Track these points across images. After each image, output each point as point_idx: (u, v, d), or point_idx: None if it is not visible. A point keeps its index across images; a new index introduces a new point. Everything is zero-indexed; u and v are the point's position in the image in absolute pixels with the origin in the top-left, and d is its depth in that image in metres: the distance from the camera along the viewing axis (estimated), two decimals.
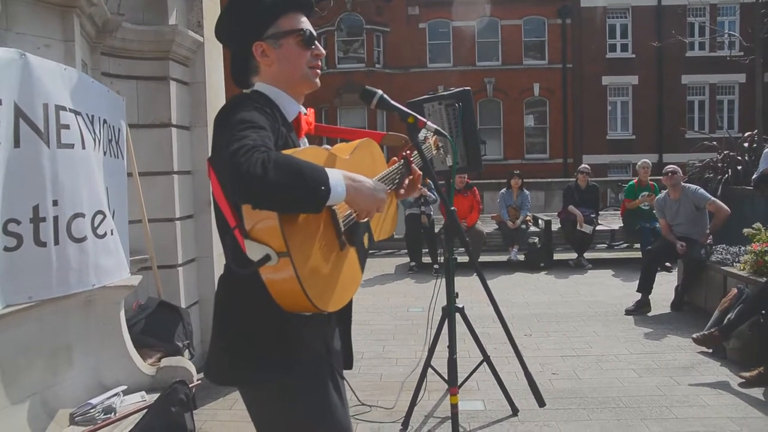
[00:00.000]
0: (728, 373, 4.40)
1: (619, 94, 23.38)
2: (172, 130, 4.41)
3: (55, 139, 2.82)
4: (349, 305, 1.79)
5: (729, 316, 4.72)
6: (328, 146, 1.72)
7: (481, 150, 4.43)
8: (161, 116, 4.38)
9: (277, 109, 1.65)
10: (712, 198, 6.38)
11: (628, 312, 6.18)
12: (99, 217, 3.09)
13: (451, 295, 3.42)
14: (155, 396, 3.15)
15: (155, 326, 3.83)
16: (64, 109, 2.89)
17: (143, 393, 3.24)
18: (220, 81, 5.04)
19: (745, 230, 5.50)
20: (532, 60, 23.62)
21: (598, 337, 5.40)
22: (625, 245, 9.56)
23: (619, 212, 9.54)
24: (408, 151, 1.92)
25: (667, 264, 7.81)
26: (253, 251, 1.39)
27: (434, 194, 8.80)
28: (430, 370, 3.74)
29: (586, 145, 22.83)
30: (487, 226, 9.56)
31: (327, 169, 1.40)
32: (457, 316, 3.54)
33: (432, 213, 9.15)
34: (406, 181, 1.88)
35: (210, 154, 1.54)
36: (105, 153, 3.36)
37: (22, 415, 2.73)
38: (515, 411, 3.80)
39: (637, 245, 8.81)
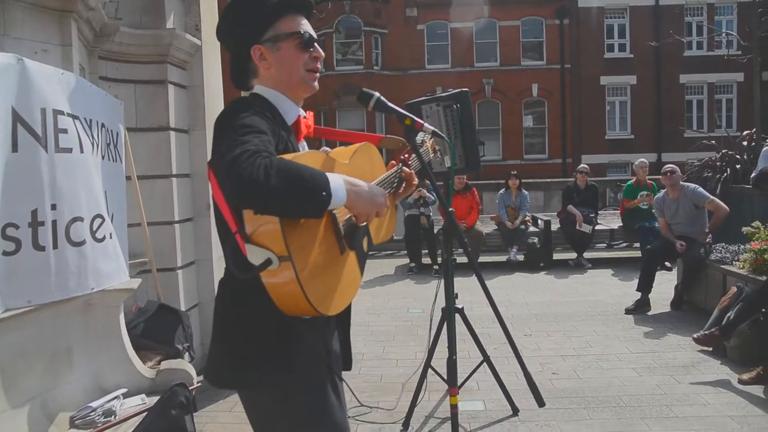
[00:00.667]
0: (728, 371, 4.40)
1: (617, 93, 23.40)
2: (171, 134, 4.41)
3: (53, 143, 2.82)
4: (349, 307, 1.79)
5: (729, 314, 4.72)
6: (327, 148, 1.73)
7: (480, 151, 4.43)
8: (159, 120, 4.38)
9: (276, 112, 1.65)
10: (711, 197, 6.38)
11: (627, 311, 6.18)
12: (98, 221, 3.09)
13: (451, 295, 3.41)
14: (155, 399, 3.15)
15: (155, 329, 3.84)
16: (62, 113, 2.89)
17: (143, 396, 3.24)
18: (218, 84, 5.05)
19: (744, 229, 5.51)
20: (530, 61, 23.64)
21: (598, 337, 5.40)
22: (625, 245, 9.55)
23: (619, 212, 9.54)
24: (406, 155, 1.92)
25: (667, 263, 7.81)
26: (255, 255, 1.39)
27: (433, 195, 8.80)
28: (430, 370, 3.74)
29: (584, 145, 22.85)
30: (486, 226, 9.56)
31: (328, 174, 1.40)
32: (457, 316, 3.55)
33: (431, 214, 9.15)
34: (404, 185, 1.89)
35: (209, 158, 1.54)
36: (103, 157, 3.36)
37: (22, 418, 2.73)
38: (516, 411, 3.80)
39: (637, 245, 8.80)
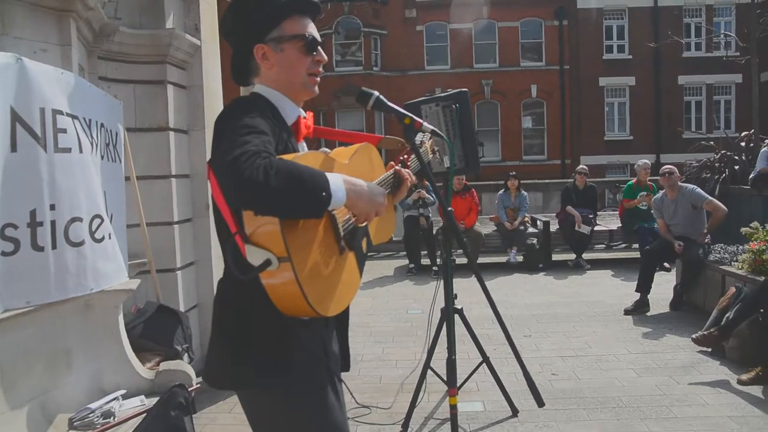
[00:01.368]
0: (727, 372, 4.40)
1: (616, 95, 23.42)
2: (170, 134, 4.40)
3: (52, 143, 2.81)
4: (347, 308, 1.78)
5: (727, 315, 4.71)
6: (327, 149, 1.72)
7: (479, 152, 4.43)
8: (159, 120, 4.37)
9: (277, 112, 1.64)
10: (710, 197, 6.39)
11: (627, 312, 6.18)
12: (97, 221, 3.08)
13: (450, 296, 3.41)
14: (154, 400, 3.14)
15: (154, 330, 3.83)
16: (61, 113, 2.88)
17: (142, 397, 3.23)
18: (217, 84, 5.04)
19: (743, 229, 5.51)
20: (529, 62, 23.65)
21: (597, 337, 5.40)
22: (624, 245, 9.56)
23: (618, 212, 9.54)
24: (405, 155, 1.91)
25: (666, 264, 7.81)
26: (254, 256, 1.38)
27: (432, 196, 8.80)
28: (429, 371, 3.73)
29: (583, 146, 22.86)
30: (485, 227, 9.56)
31: (327, 174, 1.40)
32: (457, 317, 3.54)
33: (430, 215, 9.15)
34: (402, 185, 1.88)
35: (209, 157, 1.53)
36: (102, 157, 3.35)
37: (21, 420, 2.72)
38: (515, 412, 3.79)
39: (636, 245, 8.80)
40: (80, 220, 2.95)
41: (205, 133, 4.66)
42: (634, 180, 9.06)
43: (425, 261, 9.25)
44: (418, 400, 3.69)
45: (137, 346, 3.54)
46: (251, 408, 1.66)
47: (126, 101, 4.08)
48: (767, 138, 9.28)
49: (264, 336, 1.55)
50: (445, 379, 3.29)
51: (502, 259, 9.27)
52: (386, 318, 6.39)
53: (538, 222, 9.59)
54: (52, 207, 2.80)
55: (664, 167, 6.61)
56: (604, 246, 9.65)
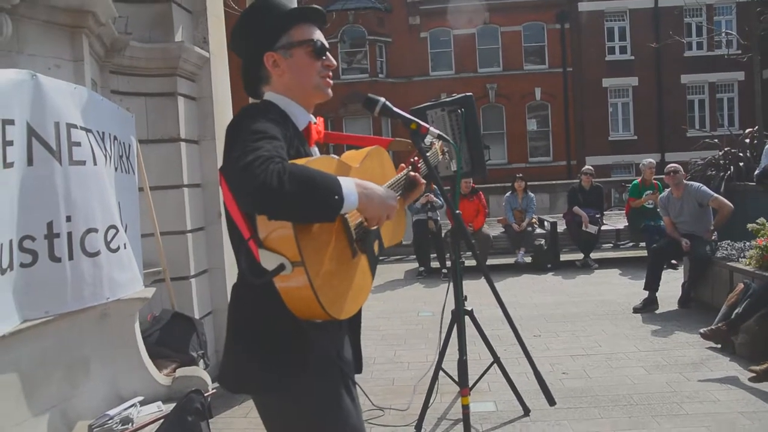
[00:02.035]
0: (737, 368, 4.36)
1: (619, 95, 23.32)
2: (181, 145, 4.43)
3: (67, 156, 2.83)
4: (359, 311, 1.78)
5: (736, 310, 4.67)
6: (335, 156, 1.72)
7: (485, 155, 4.42)
8: (170, 131, 4.40)
9: (287, 118, 1.65)
10: (715, 194, 6.35)
11: (635, 310, 6.14)
12: (112, 232, 3.10)
13: (460, 298, 3.40)
14: (171, 406, 3.15)
15: (170, 337, 3.84)
16: (75, 126, 2.91)
17: (159, 403, 3.24)
18: (226, 95, 5.07)
19: (750, 225, 5.46)
20: (532, 65, 23.63)
21: (606, 336, 5.37)
22: (631, 244, 9.50)
23: (624, 212, 9.49)
24: (415, 158, 1.91)
25: (673, 261, 7.76)
26: (268, 260, 1.38)
27: (441, 200, 8.79)
28: (441, 372, 3.72)
29: (588, 146, 22.78)
30: (493, 229, 9.54)
31: (339, 178, 1.40)
32: (467, 318, 3.53)
33: (439, 218, 9.14)
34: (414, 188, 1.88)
35: (221, 165, 1.54)
36: (116, 169, 3.37)
37: (43, 427, 2.74)
38: (527, 411, 3.77)
39: (643, 244, 8.75)
40: (95, 230, 2.97)
41: (216, 143, 4.68)
42: (639, 179, 9.01)
43: (435, 264, 9.24)
44: (431, 401, 3.68)
45: (153, 353, 3.55)
46: (266, 411, 1.66)
47: (138, 114, 4.11)
48: None
49: (278, 340, 1.55)
50: (457, 379, 3.28)
51: (511, 260, 9.24)
52: (397, 321, 6.38)
53: (546, 223, 9.56)
54: (68, 218, 2.82)
55: (669, 166, 6.57)
56: (611, 245, 9.59)
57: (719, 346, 4.78)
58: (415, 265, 9.40)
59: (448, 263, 7.47)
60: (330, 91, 1.75)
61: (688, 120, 22.20)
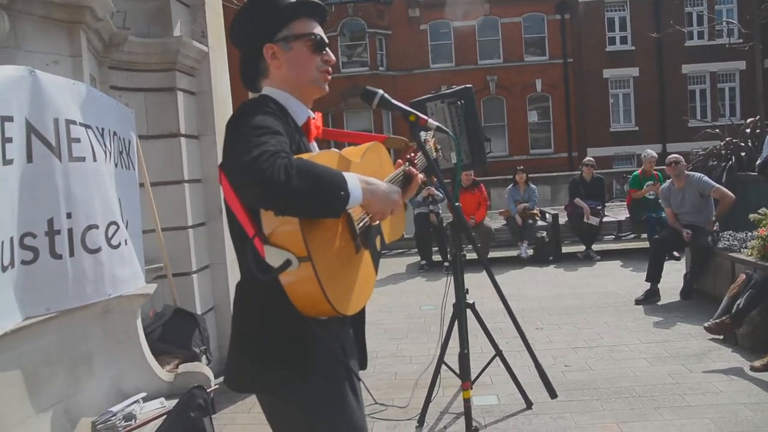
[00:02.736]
0: (740, 359, 4.36)
1: (620, 86, 23.26)
2: (181, 140, 4.42)
3: (66, 152, 2.83)
4: (364, 306, 1.78)
5: (738, 302, 4.65)
6: (337, 150, 1.71)
7: (486, 147, 4.41)
8: (170, 126, 4.38)
9: (287, 113, 1.64)
10: (717, 185, 6.33)
11: (637, 302, 6.13)
12: (112, 228, 3.10)
13: (461, 291, 3.40)
14: (174, 402, 3.16)
15: (172, 333, 3.84)
16: (74, 123, 2.90)
17: (162, 399, 3.25)
18: (226, 89, 5.05)
19: (752, 216, 5.44)
20: (533, 56, 23.57)
21: (608, 328, 5.36)
22: (633, 236, 9.49)
23: (625, 203, 9.47)
24: (412, 153, 1.90)
25: (675, 253, 7.75)
26: (273, 257, 1.37)
27: (441, 193, 8.78)
28: (443, 366, 3.72)
29: (589, 138, 22.74)
30: (495, 222, 9.53)
31: (344, 174, 1.40)
32: (469, 312, 3.53)
33: (440, 212, 9.12)
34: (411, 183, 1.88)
35: (221, 162, 1.53)
36: (116, 165, 3.36)
37: (46, 424, 2.75)
38: (529, 404, 3.78)
39: (644, 235, 8.73)
40: (96, 227, 2.97)
41: (216, 138, 4.67)
42: (640, 170, 8.98)
43: (437, 257, 9.23)
44: (433, 395, 3.68)
45: (156, 350, 3.56)
46: (271, 408, 1.65)
47: (137, 109, 4.09)
48: None
49: (283, 337, 1.54)
50: (459, 373, 3.28)
51: (513, 252, 9.24)
52: (400, 315, 6.39)
53: (547, 215, 9.54)
54: (69, 215, 2.82)
55: (670, 156, 6.55)
56: (613, 237, 9.59)
57: (722, 337, 4.77)
58: (417, 258, 9.40)
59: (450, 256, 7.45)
60: (327, 86, 1.74)
61: (690, 110, 22.15)
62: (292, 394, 1.57)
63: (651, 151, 9.06)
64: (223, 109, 4.86)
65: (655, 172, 8.73)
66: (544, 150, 23.61)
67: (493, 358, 3.85)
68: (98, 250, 2.98)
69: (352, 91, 20.60)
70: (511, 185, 9.51)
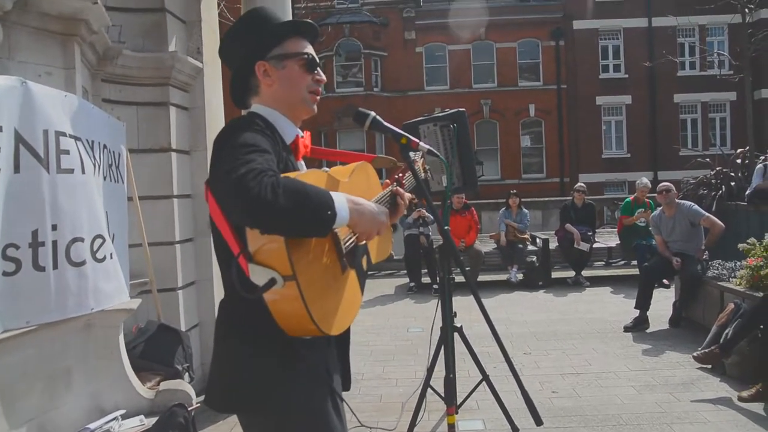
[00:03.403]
0: (728, 388, 4.35)
1: (613, 113, 23.51)
2: (172, 155, 4.42)
3: (54, 164, 2.82)
4: (348, 326, 1.77)
5: (726, 331, 4.67)
6: (327, 168, 1.72)
7: (478, 170, 4.43)
8: (161, 141, 4.39)
9: (276, 131, 1.64)
10: (707, 214, 6.38)
11: (626, 329, 6.13)
12: (98, 241, 3.08)
13: (449, 314, 3.39)
14: (154, 420, 3.11)
15: (155, 349, 3.80)
16: (64, 134, 2.89)
17: (142, 417, 3.20)
18: (219, 106, 5.07)
19: (740, 245, 5.48)
20: (527, 81, 23.81)
21: (597, 355, 5.36)
22: (623, 262, 9.52)
23: (616, 230, 9.52)
24: (400, 174, 1.91)
25: (665, 280, 7.77)
26: (258, 275, 1.37)
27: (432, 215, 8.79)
28: (430, 390, 3.69)
29: (582, 164, 22.91)
30: (485, 245, 9.53)
31: (332, 193, 1.40)
32: (457, 335, 3.51)
33: (431, 234, 9.13)
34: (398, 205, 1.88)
35: (207, 179, 1.53)
36: (105, 178, 3.36)
37: None
38: (515, 430, 3.72)
39: (634, 262, 8.77)
40: (81, 240, 2.95)
41: (207, 154, 4.67)
42: (631, 197, 9.05)
43: (426, 279, 9.22)
44: (418, 419, 3.64)
45: (138, 366, 3.52)
46: (252, 429, 1.63)
47: (129, 123, 4.10)
48: (762, 155, 9.31)
49: (266, 356, 1.53)
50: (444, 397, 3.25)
51: (503, 276, 9.24)
52: (387, 336, 6.35)
53: (538, 240, 9.56)
54: (54, 227, 2.80)
55: (661, 185, 6.61)
56: (603, 263, 9.61)
57: (710, 366, 4.77)
58: (406, 280, 9.38)
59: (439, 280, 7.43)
60: (315, 107, 1.76)
61: (681, 139, 22.39)
62: (274, 415, 1.56)
63: (646, 180, 9.13)
64: (216, 125, 4.86)
65: (647, 200, 8.80)
66: (536, 175, 23.74)
67: (480, 382, 3.81)
68: (83, 263, 2.95)
69: (347, 111, 20.71)
70: (504, 209, 9.54)
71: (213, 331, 1.67)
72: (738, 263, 5.68)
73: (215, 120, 4.90)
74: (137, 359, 3.60)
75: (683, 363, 4.97)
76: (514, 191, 9.67)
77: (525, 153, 23.97)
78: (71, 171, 2.93)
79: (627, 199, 9.12)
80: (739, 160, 9.67)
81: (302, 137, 1.75)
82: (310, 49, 1.74)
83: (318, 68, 1.74)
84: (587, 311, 7.17)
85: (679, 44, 21.75)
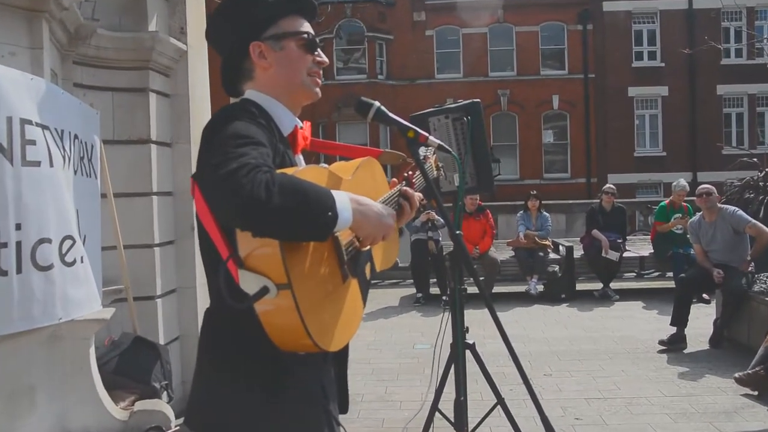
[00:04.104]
0: None
1: (647, 106, 23.51)
2: (152, 147, 4.43)
3: (19, 156, 2.83)
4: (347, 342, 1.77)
5: None
6: (325, 165, 1.72)
7: (494, 169, 4.43)
8: (139, 131, 4.40)
9: (272, 121, 1.64)
10: (753, 220, 6.36)
11: (661, 343, 6.13)
12: (68, 243, 3.09)
13: (459, 330, 3.38)
14: None
15: (130, 365, 3.82)
16: (30, 123, 2.90)
17: None
18: (205, 93, 5.08)
19: None
20: (550, 70, 23.83)
21: (627, 378, 5.35)
22: (656, 274, 9.53)
23: (649, 237, 9.51)
24: (410, 172, 1.90)
25: (705, 295, 7.76)
26: (249, 283, 1.36)
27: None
28: (437, 414, 3.69)
29: (611, 163, 22.89)
30: (501, 253, 9.53)
31: (333, 192, 1.39)
32: (468, 353, 3.51)
33: (440, 239, 9.13)
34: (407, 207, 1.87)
35: (194, 172, 1.52)
36: (76, 172, 3.37)
37: None
38: None
39: (670, 273, 8.76)
40: (49, 241, 2.96)
41: (191, 147, 4.68)
42: (667, 201, 9.04)
43: (434, 290, 9.22)
44: None
45: (110, 383, 3.52)
46: None
47: (103, 110, 4.11)
48: None
49: (255, 374, 1.53)
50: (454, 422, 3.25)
51: (521, 288, 9.24)
52: (390, 354, 6.36)
53: (561, 247, 9.56)
54: (18, 227, 2.81)
55: (701, 187, 6.59)
56: (634, 274, 9.61)
57: (756, 393, 4.75)
58: (412, 290, 9.38)
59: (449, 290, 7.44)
60: (319, 90, 1.75)
61: (724, 136, 22.35)
62: None
63: (683, 182, 9.12)
64: (201, 114, 4.88)
65: (685, 204, 8.79)
66: (559, 174, 23.75)
67: (494, 406, 3.80)
68: (50, 267, 2.96)
69: (347, 100, 20.74)
70: (522, 212, 9.54)
71: (195, 345, 1.66)
72: None
73: (200, 109, 4.92)
74: (110, 375, 3.61)
75: (725, 389, 4.95)
76: (534, 192, 9.67)
77: (547, 150, 23.98)
78: (38, 164, 2.94)
79: (662, 203, 9.10)
80: None
81: (302, 128, 1.75)
82: (308, 27, 1.73)
83: (319, 49, 1.74)
84: (616, 328, 7.16)
85: (723, 29, 21.73)
